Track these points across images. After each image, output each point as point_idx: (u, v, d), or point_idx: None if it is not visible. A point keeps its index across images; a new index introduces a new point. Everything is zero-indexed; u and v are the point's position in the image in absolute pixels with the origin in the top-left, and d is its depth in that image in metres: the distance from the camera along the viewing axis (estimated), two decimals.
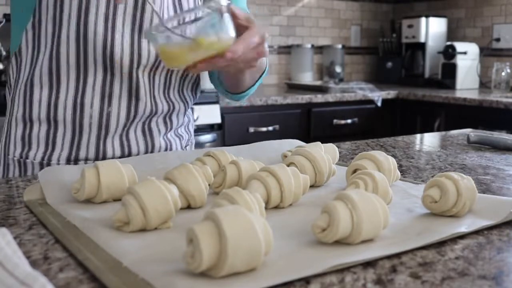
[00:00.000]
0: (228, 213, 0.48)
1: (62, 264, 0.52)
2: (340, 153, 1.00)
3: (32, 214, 0.68)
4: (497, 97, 2.68)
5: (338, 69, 3.38)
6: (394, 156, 1.06)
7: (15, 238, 0.59)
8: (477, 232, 0.61)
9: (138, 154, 0.99)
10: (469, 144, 1.20)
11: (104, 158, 0.96)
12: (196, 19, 0.80)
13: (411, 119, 2.93)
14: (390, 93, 2.94)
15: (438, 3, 3.59)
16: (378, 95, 2.82)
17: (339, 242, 0.56)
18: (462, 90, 3.07)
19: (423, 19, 3.29)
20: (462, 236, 0.60)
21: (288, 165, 0.78)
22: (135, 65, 0.92)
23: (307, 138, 2.55)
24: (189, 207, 0.69)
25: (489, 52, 3.24)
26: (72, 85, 0.93)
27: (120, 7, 0.89)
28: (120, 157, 0.96)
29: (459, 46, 3.12)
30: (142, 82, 0.94)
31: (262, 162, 0.82)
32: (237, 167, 0.77)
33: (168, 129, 1.03)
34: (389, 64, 3.52)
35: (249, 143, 0.98)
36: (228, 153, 0.84)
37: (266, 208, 0.64)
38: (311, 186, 0.80)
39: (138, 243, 0.56)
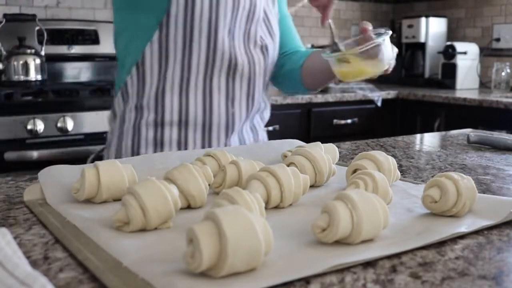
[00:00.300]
0: (228, 213, 0.48)
1: (62, 264, 0.52)
2: (340, 153, 1.00)
3: (32, 214, 0.68)
4: (497, 97, 2.68)
5: None
6: (394, 156, 1.06)
7: (15, 238, 0.59)
8: (477, 232, 0.61)
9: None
10: (469, 144, 1.20)
11: None
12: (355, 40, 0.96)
13: (411, 119, 2.93)
14: (390, 93, 2.94)
15: (438, 3, 3.59)
16: (378, 95, 2.81)
17: (339, 242, 0.56)
18: (462, 90, 3.07)
19: (423, 19, 3.29)
20: (462, 236, 0.60)
21: (288, 165, 0.78)
22: (251, 70, 1.09)
23: (307, 138, 2.55)
24: (189, 207, 0.69)
25: (489, 52, 3.24)
26: (200, 91, 1.05)
27: (237, 21, 1.04)
28: None
29: (459, 46, 3.12)
30: (257, 86, 1.11)
31: (262, 162, 0.82)
32: (237, 167, 0.77)
33: (263, 124, 1.22)
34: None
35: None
36: (228, 153, 0.84)
37: (266, 208, 0.64)
38: (311, 186, 0.80)
39: (138, 243, 0.56)
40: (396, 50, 1.00)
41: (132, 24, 1.04)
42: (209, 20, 0.99)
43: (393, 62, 0.99)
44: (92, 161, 1.23)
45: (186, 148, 1.05)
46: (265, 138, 1.24)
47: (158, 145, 1.05)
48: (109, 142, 1.13)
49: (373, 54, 0.91)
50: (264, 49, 1.10)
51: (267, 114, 1.21)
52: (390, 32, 0.94)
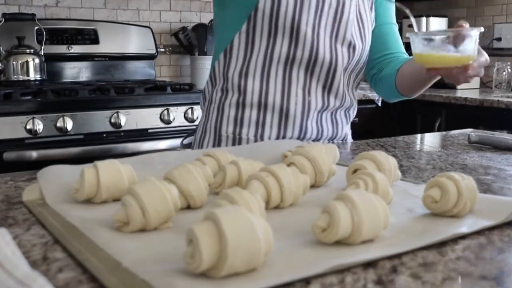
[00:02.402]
0: (228, 213, 0.48)
1: (61, 265, 0.52)
2: (340, 153, 1.00)
3: (31, 214, 0.68)
4: (498, 97, 2.68)
5: None
6: (394, 156, 1.06)
7: (14, 238, 0.58)
8: (478, 233, 0.61)
9: (328, 137, 1.21)
10: (470, 144, 1.20)
11: (304, 137, 1.16)
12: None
13: (412, 119, 2.93)
14: None
15: (439, 3, 3.59)
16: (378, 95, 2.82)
17: (339, 243, 0.56)
18: (463, 89, 3.07)
19: (424, 19, 3.29)
20: (463, 237, 0.60)
21: (288, 165, 0.78)
22: (332, 66, 1.14)
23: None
24: (189, 207, 0.69)
25: (490, 52, 3.23)
26: (280, 79, 1.13)
27: (323, 19, 1.11)
28: (315, 139, 1.18)
29: None
30: (338, 82, 1.16)
31: (262, 162, 0.82)
32: (237, 167, 0.77)
33: (348, 121, 1.26)
34: None
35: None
36: (228, 153, 0.84)
37: (266, 208, 0.64)
38: (311, 186, 0.80)
39: (137, 243, 0.56)
40: (486, 57, 0.98)
41: (225, 17, 1.18)
42: (292, 17, 1.08)
43: (480, 70, 0.98)
44: (185, 139, 1.36)
45: (263, 129, 1.14)
46: (348, 136, 1.28)
47: (238, 124, 1.15)
48: (199, 123, 1.25)
49: (458, 42, 0.91)
50: (351, 48, 1.15)
51: (353, 112, 1.26)
52: (482, 29, 0.94)
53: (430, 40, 0.93)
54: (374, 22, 1.25)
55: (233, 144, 1.15)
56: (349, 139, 1.29)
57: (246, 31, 1.12)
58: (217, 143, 1.16)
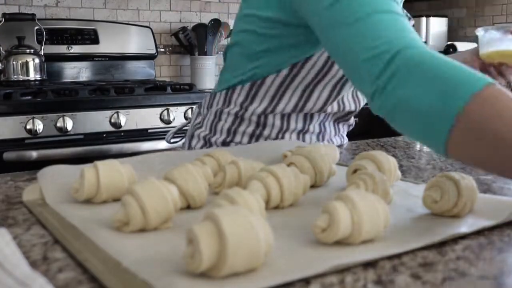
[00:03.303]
0: (228, 213, 0.48)
1: (61, 265, 0.52)
2: (340, 153, 1.00)
3: (31, 214, 0.68)
4: None
5: None
6: (394, 156, 1.06)
7: (14, 238, 0.58)
8: (478, 233, 0.61)
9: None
10: None
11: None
12: None
13: None
14: None
15: (439, 3, 3.59)
16: None
17: (339, 243, 0.56)
18: None
19: (424, 19, 3.29)
20: (463, 237, 0.60)
21: (288, 165, 0.78)
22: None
23: None
24: (189, 207, 0.69)
25: None
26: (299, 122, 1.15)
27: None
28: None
29: (460, 45, 3.11)
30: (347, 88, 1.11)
31: (262, 162, 0.82)
32: (237, 167, 0.77)
33: (349, 128, 1.26)
34: None
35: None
36: (228, 153, 0.84)
37: (266, 208, 0.64)
38: (311, 186, 0.80)
39: (137, 243, 0.56)
40: None
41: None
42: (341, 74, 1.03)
43: None
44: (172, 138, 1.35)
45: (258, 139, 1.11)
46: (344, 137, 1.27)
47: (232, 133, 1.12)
48: (200, 125, 1.19)
49: None
50: (356, 97, 1.17)
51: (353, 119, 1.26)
52: None
53: (505, 35, 0.89)
54: None
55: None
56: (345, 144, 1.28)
57: (283, 77, 1.05)
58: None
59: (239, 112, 1.11)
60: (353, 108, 1.15)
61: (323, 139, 1.16)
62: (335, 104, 1.11)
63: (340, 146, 1.21)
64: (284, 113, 1.09)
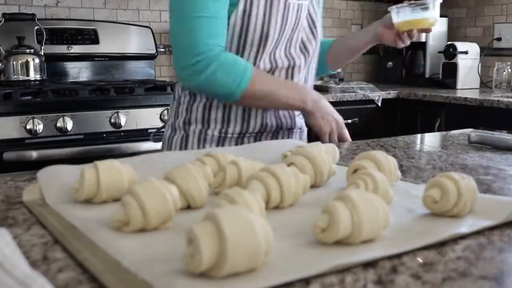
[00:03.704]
0: (228, 213, 0.48)
1: (61, 265, 0.52)
2: (340, 153, 1.00)
3: (31, 214, 0.68)
4: (498, 97, 2.68)
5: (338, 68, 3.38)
6: (394, 156, 1.06)
7: (14, 238, 0.58)
8: (478, 233, 0.61)
9: (287, 127, 1.30)
10: (470, 144, 1.19)
11: (265, 129, 1.25)
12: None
13: (412, 119, 2.93)
14: (391, 93, 2.94)
15: None
16: (378, 95, 2.81)
17: (339, 242, 0.56)
18: (463, 89, 3.07)
19: None
20: (463, 237, 0.60)
21: (288, 165, 0.78)
22: (290, 68, 1.25)
23: (307, 138, 2.54)
24: (189, 207, 0.69)
25: (490, 52, 3.24)
26: None
27: (283, 36, 1.21)
28: (275, 129, 1.26)
29: (460, 45, 3.11)
30: (295, 78, 1.27)
31: (262, 162, 0.82)
32: (237, 167, 0.77)
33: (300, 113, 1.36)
34: (390, 63, 3.52)
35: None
36: (228, 153, 0.84)
37: (266, 208, 0.64)
38: (311, 186, 0.80)
39: (137, 244, 0.56)
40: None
41: None
42: (260, 33, 1.16)
43: (437, 23, 1.27)
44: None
45: (228, 125, 1.23)
46: (303, 125, 1.37)
47: (206, 123, 1.24)
48: (168, 121, 1.34)
49: (424, 9, 1.20)
50: (304, 50, 1.27)
51: None
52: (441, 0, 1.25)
53: (412, 8, 1.21)
54: (322, 13, 1.39)
55: (199, 141, 1.24)
56: (304, 127, 1.39)
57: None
58: (185, 139, 1.25)
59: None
60: (286, 64, 1.23)
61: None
62: (266, 60, 1.20)
63: (300, 130, 1.35)
64: None
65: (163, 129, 1.41)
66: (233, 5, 1.14)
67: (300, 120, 1.34)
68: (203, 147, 1.23)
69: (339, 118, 1.24)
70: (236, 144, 1.23)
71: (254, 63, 1.19)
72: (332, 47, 1.42)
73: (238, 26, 1.15)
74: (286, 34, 1.20)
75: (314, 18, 1.28)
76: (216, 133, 1.23)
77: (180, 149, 1.25)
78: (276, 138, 1.28)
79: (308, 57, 1.28)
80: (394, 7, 1.22)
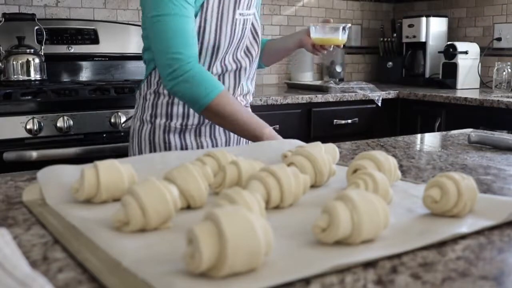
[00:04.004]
0: (228, 214, 0.48)
1: (61, 265, 0.52)
2: (340, 153, 1.00)
3: (31, 214, 0.68)
4: (498, 97, 2.68)
5: (338, 68, 3.38)
6: (394, 156, 1.06)
7: (14, 238, 0.58)
8: (478, 233, 0.61)
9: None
10: (470, 144, 1.19)
11: None
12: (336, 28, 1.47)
13: (412, 119, 2.93)
14: (391, 93, 2.94)
15: (439, 3, 3.59)
16: (378, 95, 2.81)
17: (339, 242, 0.56)
18: (463, 90, 3.06)
19: (424, 19, 3.29)
20: (463, 237, 0.60)
21: (288, 165, 0.78)
22: (237, 71, 1.42)
23: (307, 138, 2.54)
24: (189, 207, 0.69)
25: (490, 52, 3.24)
26: None
27: (232, 45, 1.39)
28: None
29: (460, 45, 3.11)
30: (243, 78, 1.45)
31: (262, 162, 0.82)
32: (237, 167, 0.77)
33: (246, 102, 1.52)
34: (390, 63, 3.52)
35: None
36: (228, 153, 0.84)
37: (266, 208, 0.64)
38: (311, 186, 0.80)
39: (137, 243, 0.56)
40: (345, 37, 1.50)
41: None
42: (213, 45, 1.34)
43: (341, 46, 1.52)
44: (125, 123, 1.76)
45: (188, 119, 1.37)
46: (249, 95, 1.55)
47: (168, 117, 1.38)
48: (135, 113, 1.47)
49: (335, 31, 1.46)
50: (248, 53, 1.45)
51: (250, 97, 1.52)
52: (349, 25, 1.49)
53: (325, 29, 1.47)
54: (260, 18, 1.54)
55: (164, 132, 1.38)
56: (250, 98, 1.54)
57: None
58: (152, 131, 1.39)
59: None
60: (234, 67, 1.40)
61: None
62: (218, 65, 1.36)
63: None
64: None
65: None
66: None
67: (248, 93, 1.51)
68: (168, 137, 1.38)
69: None
70: (195, 134, 1.38)
71: (208, 68, 1.35)
72: (265, 47, 1.59)
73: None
74: (234, 44, 1.37)
75: (256, 27, 1.46)
76: (178, 125, 1.37)
77: (149, 139, 1.39)
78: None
79: (252, 60, 1.45)
80: (312, 25, 1.49)
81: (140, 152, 1.40)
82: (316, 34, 1.47)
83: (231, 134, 1.41)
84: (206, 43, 1.32)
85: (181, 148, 1.37)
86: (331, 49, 1.50)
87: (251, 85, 1.51)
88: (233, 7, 1.35)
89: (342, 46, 1.52)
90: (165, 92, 1.37)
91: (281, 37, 1.69)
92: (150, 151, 1.38)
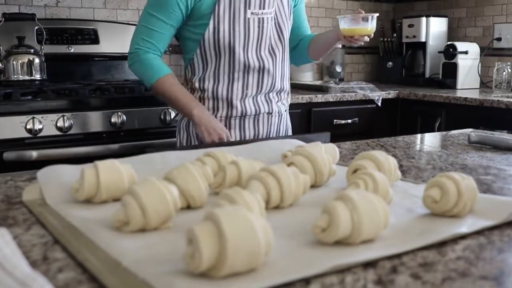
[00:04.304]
0: (228, 214, 0.48)
1: (61, 265, 0.52)
2: (340, 153, 1.00)
3: (31, 214, 0.68)
4: (498, 97, 2.68)
5: (338, 68, 3.38)
6: (394, 156, 1.06)
7: (14, 238, 0.58)
8: (478, 233, 0.61)
9: (265, 112, 1.61)
10: (470, 144, 1.19)
11: (246, 114, 1.57)
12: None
13: (412, 119, 2.93)
14: (391, 93, 2.94)
15: (439, 3, 3.59)
16: (378, 95, 2.81)
17: (339, 242, 0.56)
18: (463, 90, 3.06)
19: (424, 19, 3.29)
20: (463, 237, 0.60)
21: (288, 165, 0.78)
22: (261, 69, 1.55)
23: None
24: (189, 207, 0.69)
25: (490, 52, 3.24)
26: (226, 80, 1.56)
27: (250, 39, 1.52)
28: (255, 114, 1.57)
29: (460, 45, 3.11)
30: (267, 77, 1.58)
31: (262, 162, 0.82)
32: (237, 167, 0.77)
33: (279, 99, 1.66)
34: (390, 63, 3.51)
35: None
36: (228, 153, 0.84)
37: (266, 208, 0.64)
38: (311, 186, 0.80)
39: (137, 243, 0.56)
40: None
41: (184, 44, 1.64)
42: (228, 44, 1.49)
43: (372, 35, 1.58)
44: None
45: (217, 111, 1.54)
46: (282, 109, 1.65)
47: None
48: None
49: (365, 20, 1.52)
50: (272, 53, 1.56)
51: (285, 95, 1.65)
52: (377, 14, 1.56)
53: (353, 20, 1.52)
54: (291, 16, 1.64)
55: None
56: (283, 112, 1.67)
57: (200, 53, 1.55)
58: (188, 122, 1.56)
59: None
60: (257, 65, 1.52)
61: (246, 96, 1.55)
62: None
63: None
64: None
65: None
66: (205, 24, 1.48)
67: (278, 107, 1.63)
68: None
69: (222, 132, 1.49)
70: (225, 126, 1.52)
71: (229, 65, 1.51)
72: (311, 42, 1.70)
73: (211, 39, 1.49)
74: (252, 42, 1.50)
75: (283, 27, 1.57)
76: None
77: (186, 130, 1.57)
78: (258, 121, 1.58)
79: (275, 59, 1.57)
80: (339, 16, 1.55)
81: (181, 142, 1.61)
82: (345, 25, 1.53)
83: (259, 127, 1.58)
84: (222, 41, 1.48)
85: None
86: (366, 39, 1.55)
87: (286, 84, 1.63)
88: (243, 6, 1.49)
89: (372, 35, 1.56)
90: (198, 87, 1.56)
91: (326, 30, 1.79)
92: (187, 141, 1.58)
